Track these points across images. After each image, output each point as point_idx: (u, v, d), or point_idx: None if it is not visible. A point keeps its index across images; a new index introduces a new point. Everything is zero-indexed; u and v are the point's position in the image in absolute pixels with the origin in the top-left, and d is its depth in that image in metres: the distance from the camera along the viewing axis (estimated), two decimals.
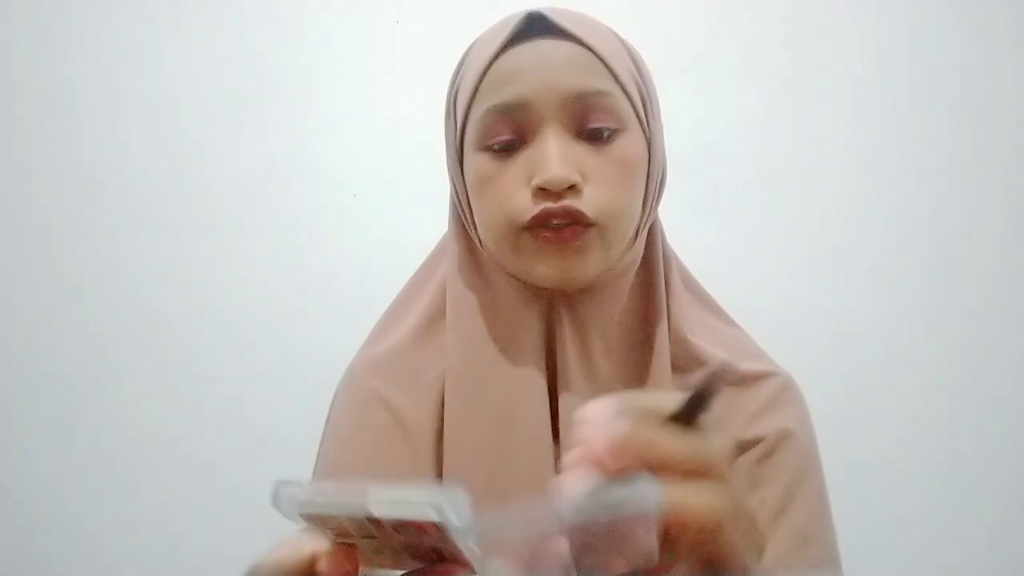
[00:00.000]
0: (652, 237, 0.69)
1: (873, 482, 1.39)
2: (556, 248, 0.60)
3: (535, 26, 0.62)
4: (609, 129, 0.61)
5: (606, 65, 0.61)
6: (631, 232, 0.64)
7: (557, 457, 0.63)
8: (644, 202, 0.64)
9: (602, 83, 0.61)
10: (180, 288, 1.47)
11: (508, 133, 0.61)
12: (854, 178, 1.43)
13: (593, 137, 0.61)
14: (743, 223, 1.41)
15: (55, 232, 1.48)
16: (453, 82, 0.69)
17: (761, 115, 1.42)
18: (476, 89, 0.63)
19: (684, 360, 0.68)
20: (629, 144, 0.62)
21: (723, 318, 0.75)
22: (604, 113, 0.61)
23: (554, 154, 0.59)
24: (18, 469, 1.48)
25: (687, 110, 1.38)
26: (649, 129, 0.64)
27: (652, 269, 0.69)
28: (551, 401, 0.65)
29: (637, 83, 0.63)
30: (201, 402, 1.46)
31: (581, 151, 0.60)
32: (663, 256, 0.70)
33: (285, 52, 1.46)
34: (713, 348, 0.69)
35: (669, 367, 0.66)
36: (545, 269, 0.62)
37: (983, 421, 1.41)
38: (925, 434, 1.41)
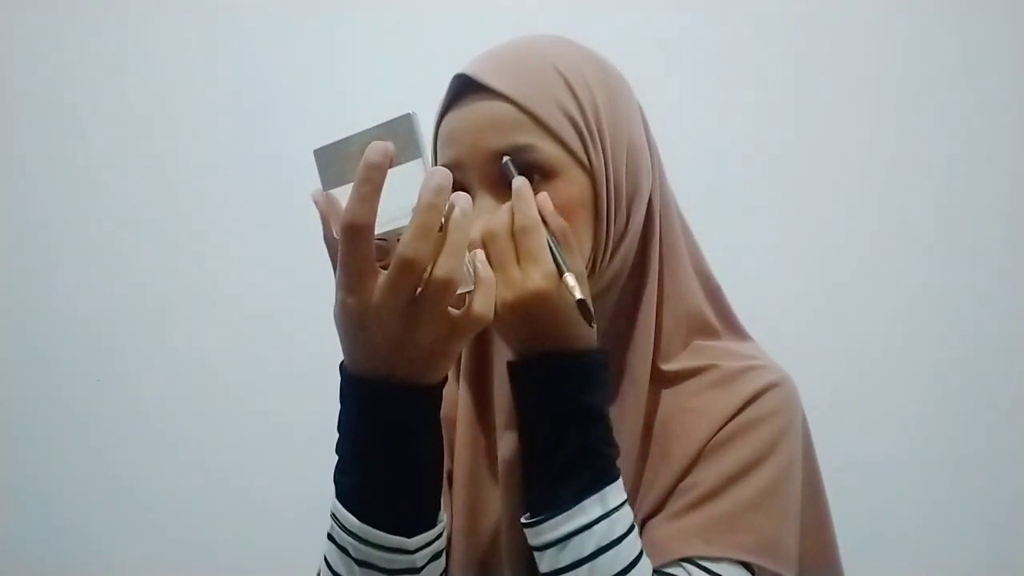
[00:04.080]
0: (645, 247, 0.70)
1: (872, 481, 1.40)
2: None
3: (469, 84, 0.64)
4: (534, 180, 0.62)
5: (531, 116, 0.62)
6: (582, 266, 0.64)
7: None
8: (598, 231, 0.65)
9: (524, 137, 0.62)
10: (180, 288, 1.47)
11: (453, 191, 0.64)
12: (854, 178, 1.43)
13: None
14: (743, 223, 1.41)
15: (55, 232, 1.48)
16: None
17: (761, 115, 1.43)
18: (435, 148, 0.68)
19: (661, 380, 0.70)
20: (562, 188, 0.62)
21: (734, 333, 0.75)
22: (527, 167, 0.62)
23: (478, 216, 0.61)
24: (18, 469, 1.48)
25: (687, 110, 1.38)
26: (591, 163, 0.64)
27: (642, 280, 0.70)
28: None
29: (574, 121, 0.63)
30: (202, 402, 1.47)
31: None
32: (661, 264, 0.70)
33: (285, 52, 1.47)
34: (686, 363, 0.70)
35: (645, 387, 0.68)
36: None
37: (983, 420, 1.41)
38: (925, 434, 1.41)
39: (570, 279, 0.57)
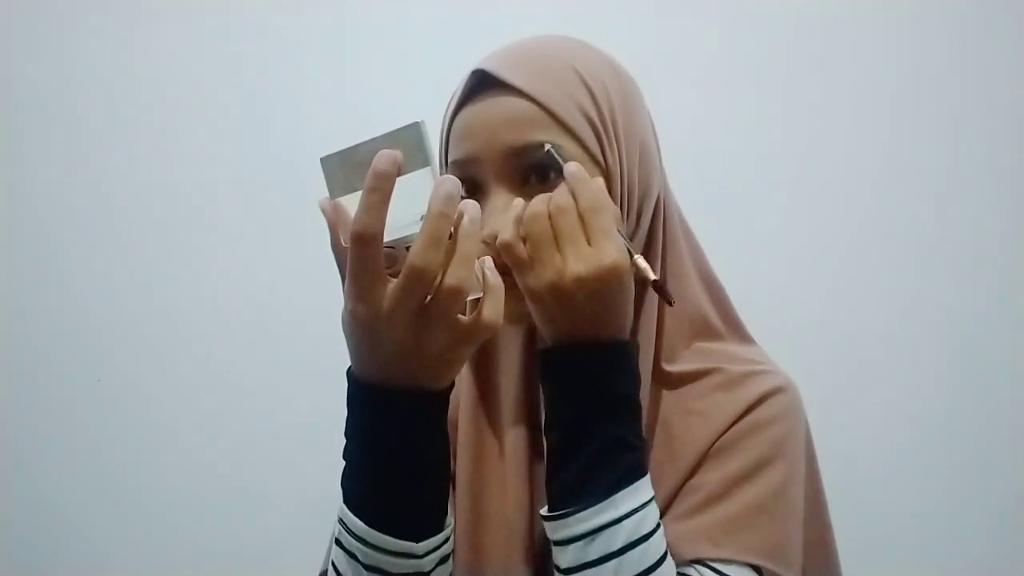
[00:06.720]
0: (650, 248, 0.70)
1: (873, 482, 1.40)
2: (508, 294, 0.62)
3: (487, 80, 0.64)
4: (551, 178, 0.63)
5: (549, 113, 0.63)
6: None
7: (532, 480, 0.68)
8: None
9: (542, 134, 0.63)
10: (181, 288, 1.47)
11: (467, 185, 0.64)
12: (854, 178, 1.43)
13: (538, 186, 0.63)
14: (743, 223, 1.41)
15: (56, 232, 1.48)
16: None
17: (762, 115, 1.43)
18: (446, 144, 0.68)
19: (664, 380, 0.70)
20: None
21: (737, 336, 0.75)
22: (544, 163, 0.63)
23: (494, 212, 0.62)
24: (18, 469, 1.48)
25: (687, 110, 1.38)
26: (606, 162, 0.65)
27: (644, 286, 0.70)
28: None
29: (591, 120, 0.64)
30: (202, 402, 1.47)
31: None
32: (664, 265, 0.71)
33: (295, 58, 1.46)
34: (689, 365, 0.70)
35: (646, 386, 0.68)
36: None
37: (982, 419, 1.42)
38: (924, 433, 1.42)
39: (641, 260, 0.58)
